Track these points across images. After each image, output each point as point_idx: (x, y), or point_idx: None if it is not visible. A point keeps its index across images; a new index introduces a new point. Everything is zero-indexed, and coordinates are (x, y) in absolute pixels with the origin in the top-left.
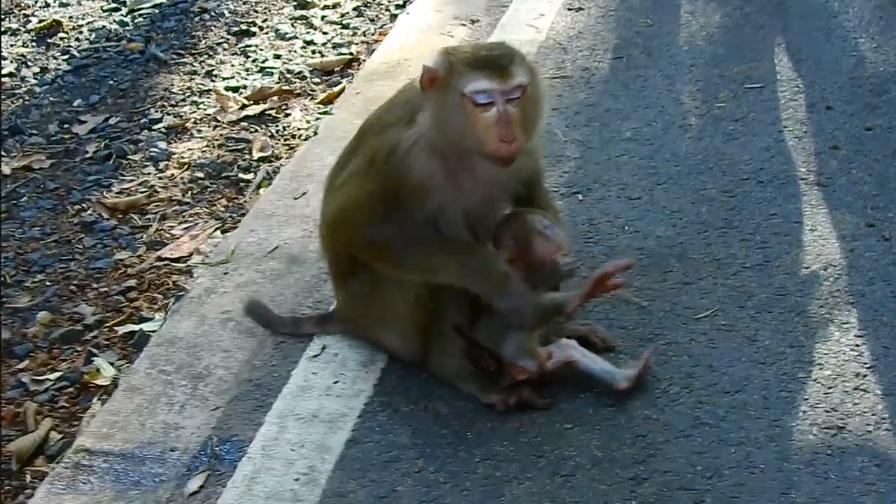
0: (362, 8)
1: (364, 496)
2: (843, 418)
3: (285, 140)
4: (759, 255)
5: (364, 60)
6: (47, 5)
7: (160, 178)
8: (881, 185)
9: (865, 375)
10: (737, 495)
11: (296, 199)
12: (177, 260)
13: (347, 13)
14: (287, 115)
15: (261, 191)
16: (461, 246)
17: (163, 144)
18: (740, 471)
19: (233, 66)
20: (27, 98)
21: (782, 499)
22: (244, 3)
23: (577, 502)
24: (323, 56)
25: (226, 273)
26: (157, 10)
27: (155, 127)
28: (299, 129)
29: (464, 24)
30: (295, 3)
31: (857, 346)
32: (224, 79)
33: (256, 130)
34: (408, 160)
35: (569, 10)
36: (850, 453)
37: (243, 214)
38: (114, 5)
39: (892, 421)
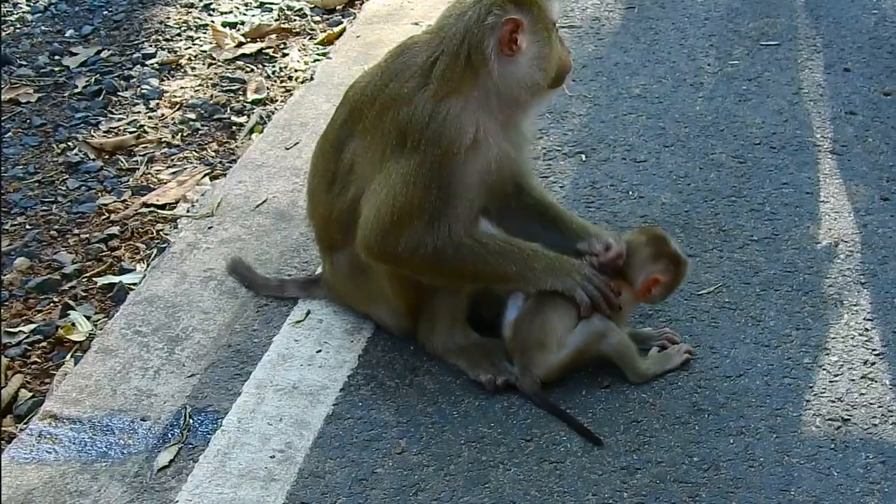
0: None
1: (342, 477)
2: (849, 409)
3: (281, 82)
4: (768, 228)
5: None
6: None
7: (150, 117)
8: None
9: (874, 363)
10: (734, 490)
11: (287, 149)
12: (162, 207)
13: None
14: (285, 55)
15: (253, 136)
16: (519, 248)
17: (155, 82)
18: (738, 463)
19: (231, 0)
20: (18, 26)
21: (781, 496)
22: None
23: (565, 492)
24: None
25: (210, 227)
26: None
27: (148, 62)
28: (296, 71)
29: None
30: None
31: (867, 330)
32: (222, 13)
33: (252, 70)
34: (458, 121)
35: None
36: (855, 448)
37: (233, 161)
38: None
39: None
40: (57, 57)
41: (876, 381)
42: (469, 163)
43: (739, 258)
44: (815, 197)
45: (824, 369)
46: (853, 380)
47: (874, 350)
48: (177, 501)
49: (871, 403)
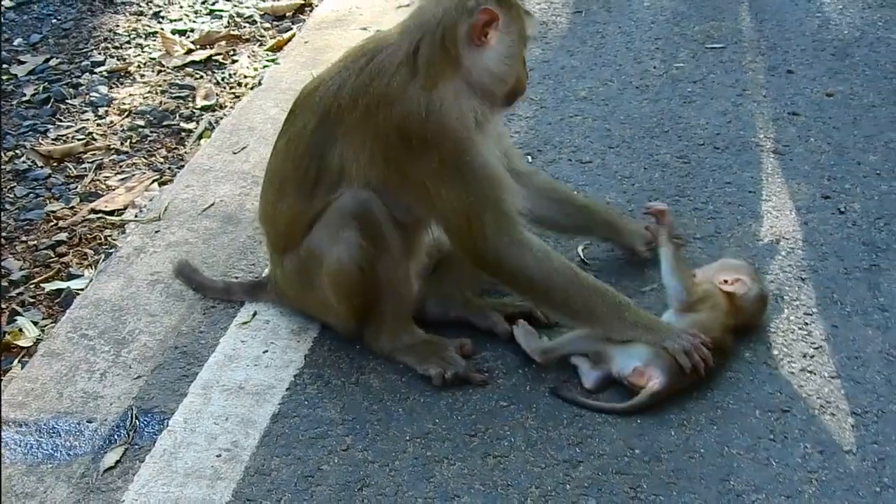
0: None
1: (288, 475)
2: (788, 401)
3: (230, 88)
4: (711, 226)
5: (315, 6)
6: None
7: (99, 124)
8: (839, 154)
9: (813, 356)
10: (675, 481)
11: (235, 153)
12: (111, 213)
13: None
14: (234, 62)
15: (201, 141)
16: (612, 292)
17: (104, 89)
18: (679, 455)
19: (181, 7)
20: None
21: (721, 486)
22: None
23: (508, 485)
24: (275, 0)
25: (157, 231)
26: None
27: (97, 70)
28: (245, 77)
29: None
30: None
31: (807, 324)
32: (171, 21)
33: (201, 77)
34: (454, 109)
35: None
36: (793, 438)
37: (182, 167)
38: None
39: (838, 405)
40: (5, 66)
41: (815, 374)
42: (484, 145)
43: (682, 255)
44: (758, 196)
45: (765, 363)
46: (793, 372)
47: (813, 343)
48: (123, 501)
49: (809, 395)
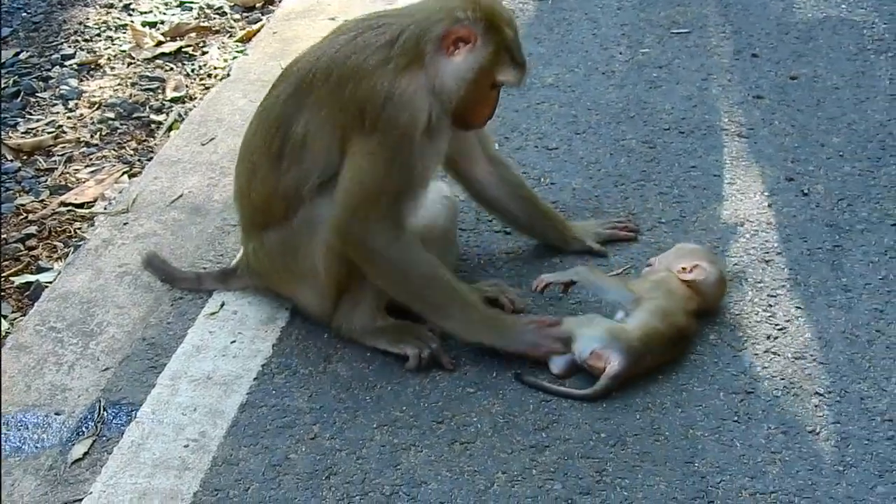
0: None
1: (255, 464)
2: (752, 382)
3: (201, 80)
4: (676, 210)
5: None
6: None
7: (69, 117)
8: (803, 136)
9: (777, 338)
10: (640, 464)
11: (203, 144)
12: (80, 206)
13: None
14: (204, 53)
15: (171, 133)
16: (462, 294)
17: (74, 82)
18: (644, 438)
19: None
20: None
21: (685, 468)
22: None
23: (475, 471)
24: None
25: (126, 223)
26: None
27: (67, 63)
28: (216, 69)
29: None
30: None
31: (770, 306)
32: (142, 13)
33: (171, 69)
34: (412, 105)
35: None
36: (757, 419)
37: (152, 159)
38: None
39: (801, 386)
40: None
41: (779, 355)
42: (425, 144)
43: (648, 240)
44: (722, 179)
45: (729, 345)
46: (756, 354)
47: (777, 325)
48: (91, 493)
49: (773, 376)
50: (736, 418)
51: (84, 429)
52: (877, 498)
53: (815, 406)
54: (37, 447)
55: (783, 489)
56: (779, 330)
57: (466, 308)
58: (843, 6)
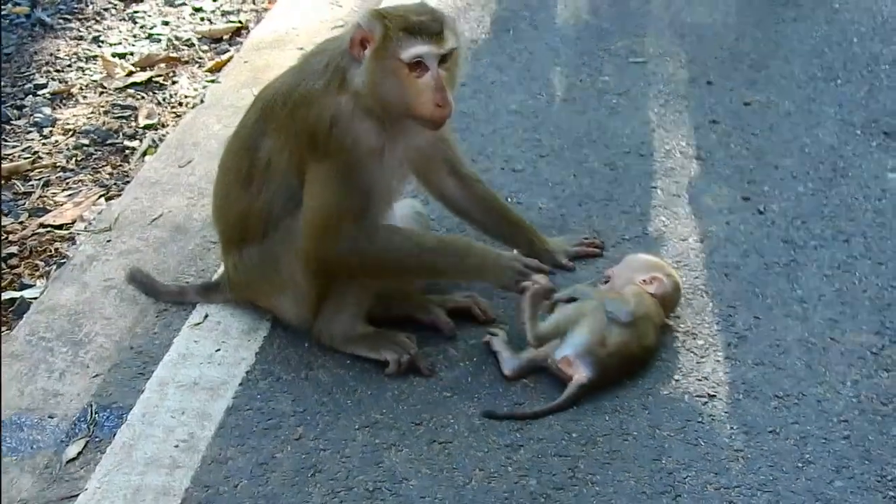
0: None
1: (244, 462)
2: (714, 386)
3: (172, 108)
4: (638, 227)
5: (253, 28)
6: None
7: (44, 144)
8: (757, 158)
9: (737, 345)
10: (610, 461)
11: (181, 167)
12: (59, 227)
13: None
14: (174, 83)
15: (146, 158)
16: (452, 244)
17: (47, 110)
18: (613, 438)
19: (120, 31)
20: None
21: (653, 465)
22: None
23: (454, 468)
24: (212, 23)
25: (109, 241)
26: None
27: (40, 92)
28: (186, 97)
29: None
30: None
31: (730, 316)
32: (111, 45)
33: (143, 98)
34: (352, 127)
35: None
36: (720, 420)
37: (128, 182)
38: None
39: (761, 389)
40: None
41: (739, 361)
42: (375, 164)
43: (612, 255)
44: (682, 199)
45: (691, 352)
46: (718, 360)
47: (737, 333)
48: (86, 489)
49: (734, 381)
50: (700, 419)
51: (77, 431)
52: (835, 492)
53: (775, 408)
54: (32, 448)
55: (746, 484)
56: (739, 338)
57: (459, 253)
58: (794, 38)
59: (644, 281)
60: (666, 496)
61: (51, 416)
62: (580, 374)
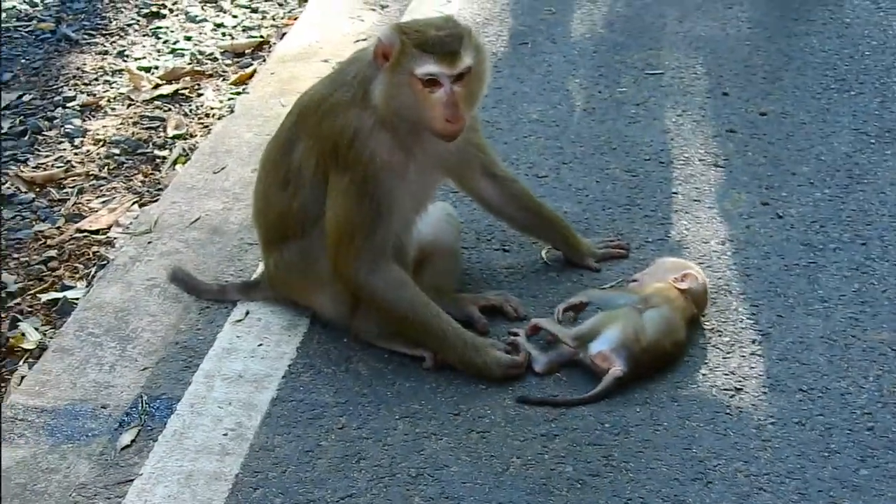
0: None
1: (290, 450)
2: (741, 381)
3: (199, 119)
4: (661, 231)
5: (274, 43)
6: None
7: (76, 153)
8: (775, 166)
9: (761, 342)
10: (643, 450)
11: (215, 173)
12: (96, 232)
13: None
14: (200, 95)
15: (177, 167)
16: (445, 329)
17: (77, 121)
18: (645, 428)
19: (144, 47)
20: None
21: (684, 453)
22: None
23: (492, 456)
24: (233, 39)
25: (149, 242)
26: None
27: (69, 105)
28: (213, 109)
29: (373, 9)
30: None
31: (753, 314)
32: (136, 59)
33: (170, 109)
34: (371, 141)
35: None
36: (748, 412)
37: (160, 189)
38: None
39: (786, 383)
40: None
41: (764, 357)
42: (393, 178)
43: (637, 257)
44: (702, 204)
45: (717, 348)
46: (743, 356)
47: (761, 331)
48: (141, 474)
49: (760, 375)
50: (728, 411)
51: (129, 420)
52: (861, 480)
53: (800, 401)
54: (87, 436)
55: (775, 472)
56: (763, 335)
57: (443, 343)
58: (807, 50)
59: (676, 279)
60: (698, 482)
61: (104, 406)
62: (616, 368)
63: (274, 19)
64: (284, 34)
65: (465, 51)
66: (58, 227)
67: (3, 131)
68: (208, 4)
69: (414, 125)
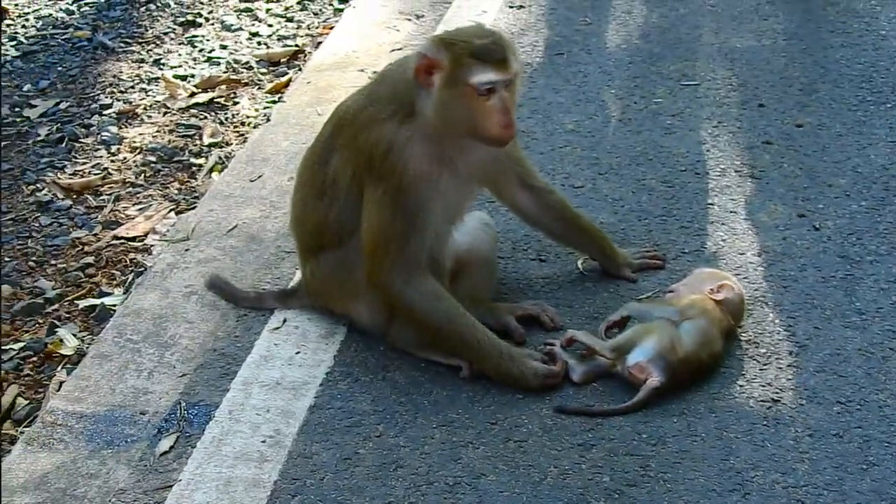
0: (306, 2)
1: (328, 457)
2: (778, 392)
3: (235, 127)
4: (697, 242)
5: (309, 53)
6: None
7: (113, 160)
8: (811, 178)
9: (798, 354)
10: (680, 461)
11: (252, 181)
12: (132, 239)
13: (291, 6)
14: (236, 104)
15: (213, 175)
16: (483, 331)
17: (114, 129)
18: (682, 438)
19: (180, 55)
20: None
21: (722, 464)
22: None
23: (530, 465)
24: (269, 48)
25: (187, 250)
26: (102, 0)
27: (105, 112)
28: (248, 117)
29: (409, 20)
30: None
31: (790, 326)
32: (172, 67)
33: (206, 117)
34: (406, 153)
35: (510, 7)
36: (785, 424)
37: (197, 197)
38: None
39: (824, 395)
40: (17, 109)
41: (801, 369)
42: (428, 189)
43: (673, 267)
44: (738, 215)
45: (754, 359)
46: (780, 367)
47: (798, 343)
48: (180, 480)
49: (797, 387)
50: (765, 422)
51: (168, 426)
52: None
53: (838, 413)
54: (127, 441)
55: (813, 483)
56: (800, 347)
57: (479, 353)
58: (843, 62)
59: (712, 290)
60: (735, 493)
61: (142, 412)
62: (653, 378)
63: (309, 28)
64: (320, 43)
65: (511, 56)
66: (95, 234)
67: (40, 138)
68: (244, 13)
69: (464, 136)
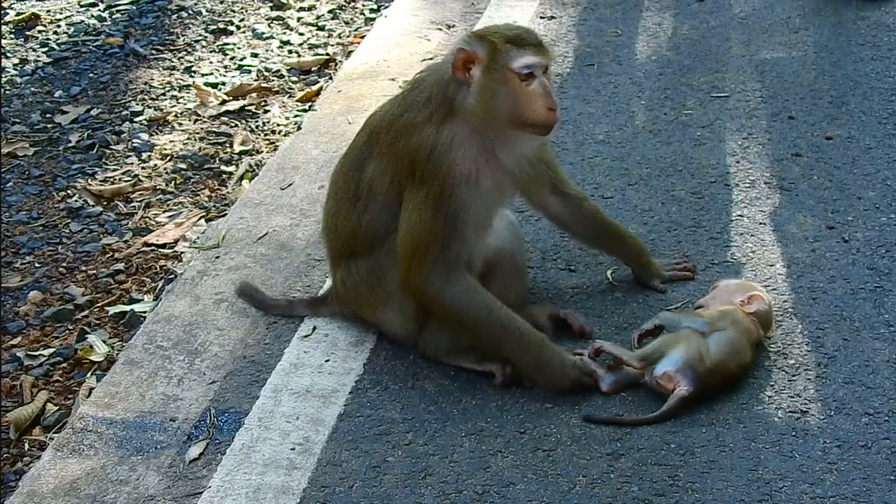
0: (337, 11)
1: (357, 465)
2: (807, 403)
3: (265, 135)
4: (727, 253)
5: (340, 61)
6: None
7: (143, 167)
8: (841, 190)
9: (827, 365)
10: (708, 471)
11: (282, 189)
12: (163, 246)
13: (322, 15)
14: (266, 112)
15: (243, 182)
16: (523, 333)
17: (145, 136)
18: (710, 449)
19: (211, 63)
20: (7, 88)
21: (750, 475)
22: (221, 3)
23: (558, 474)
24: (300, 56)
25: (217, 257)
26: (134, 7)
27: (136, 119)
28: (279, 125)
29: (440, 29)
30: (271, 4)
31: (819, 338)
32: (203, 75)
33: (237, 125)
34: (449, 156)
35: (541, 18)
36: (813, 434)
37: (227, 204)
38: (91, 0)
39: (852, 407)
40: (48, 115)
41: (829, 380)
42: (470, 190)
43: (702, 279)
44: (768, 227)
45: (783, 370)
46: (809, 379)
47: (826, 354)
48: (209, 487)
49: (826, 398)
50: (794, 433)
51: (198, 433)
52: None
53: (866, 424)
54: (156, 448)
55: (841, 494)
56: (828, 358)
57: (521, 341)
58: (873, 75)
59: (743, 301)
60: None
61: (172, 419)
62: (681, 388)
63: (340, 37)
64: (350, 52)
65: (545, 44)
66: (125, 241)
67: (71, 145)
68: (275, 22)
69: (510, 124)
